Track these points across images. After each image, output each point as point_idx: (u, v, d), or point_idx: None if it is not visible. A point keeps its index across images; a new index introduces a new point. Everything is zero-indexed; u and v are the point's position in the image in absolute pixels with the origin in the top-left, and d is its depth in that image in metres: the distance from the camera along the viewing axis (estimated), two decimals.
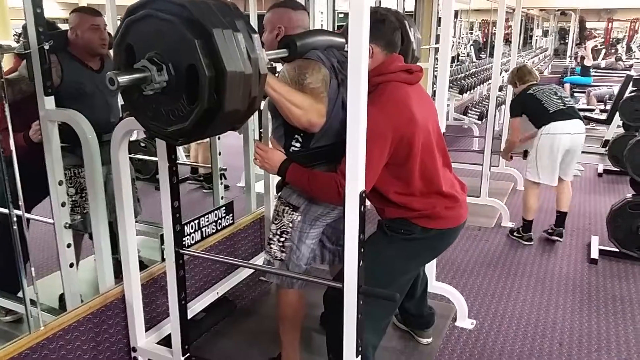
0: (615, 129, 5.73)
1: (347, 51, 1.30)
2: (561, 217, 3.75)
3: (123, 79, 1.24)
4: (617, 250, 3.44)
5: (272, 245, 2.02)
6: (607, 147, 5.50)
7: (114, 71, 1.26)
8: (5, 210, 1.75)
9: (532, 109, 3.59)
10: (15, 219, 1.73)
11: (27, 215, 1.81)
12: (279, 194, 2.04)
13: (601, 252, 3.49)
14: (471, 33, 12.61)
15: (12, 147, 1.74)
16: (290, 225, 1.98)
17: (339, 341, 1.83)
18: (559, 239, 3.71)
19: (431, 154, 1.82)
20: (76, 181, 2.39)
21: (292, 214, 1.98)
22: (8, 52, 2.53)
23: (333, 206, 1.97)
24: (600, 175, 5.43)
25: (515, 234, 3.80)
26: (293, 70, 1.80)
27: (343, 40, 1.92)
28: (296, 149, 1.91)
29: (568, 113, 3.50)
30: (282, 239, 2.00)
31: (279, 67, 2.01)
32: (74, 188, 2.39)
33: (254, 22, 3.73)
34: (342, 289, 1.49)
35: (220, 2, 1.30)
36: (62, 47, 2.35)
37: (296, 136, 1.89)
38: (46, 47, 1.84)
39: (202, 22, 1.21)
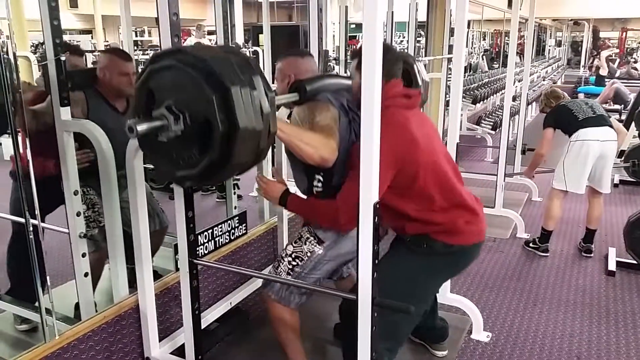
0: (630, 139, 5.67)
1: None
2: (590, 234, 3.71)
3: (142, 127, 1.31)
4: (635, 262, 3.38)
5: (281, 264, 2.03)
6: (623, 158, 5.44)
7: (133, 119, 1.32)
8: (22, 219, 1.76)
9: (563, 118, 3.60)
10: (31, 228, 1.74)
11: (42, 224, 1.82)
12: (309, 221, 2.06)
13: (619, 264, 3.43)
14: (484, 41, 12.60)
15: (29, 158, 1.75)
16: (308, 254, 2.00)
17: (355, 352, 1.81)
18: (589, 255, 3.65)
19: (442, 171, 1.84)
20: (86, 198, 2.39)
21: (315, 246, 2.00)
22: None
23: None
24: (616, 186, 5.36)
25: (531, 244, 3.76)
26: (303, 111, 1.88)
27: (350, 82, 1.98)
28: (319, 189, 1.95)
29: (597, 120, 3.49)
30: (293, 263, 2.01)
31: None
32: (85, 204, 2.40)
33: (266, 33, 3.76)
34: (357, 301, 1.48)
35: (241, 58, 1.37)
36: (89, 85, 2.40)
37: (317, 176, 1.94)
38: (62, 58, 1.86)
39: (221, 78, 1.26)
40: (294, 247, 2.03)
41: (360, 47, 1.86)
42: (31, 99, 2.29)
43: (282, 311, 2.04)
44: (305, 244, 2.01)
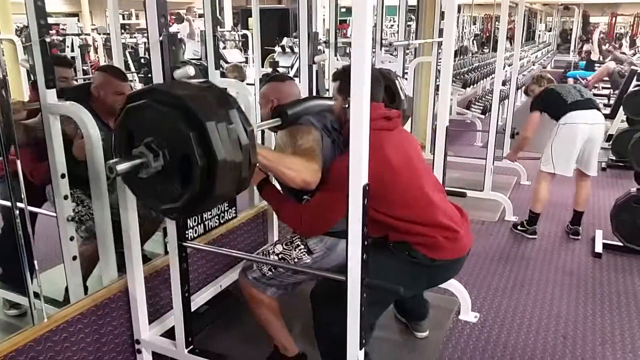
0: (619, 124, 5.71)
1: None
2: (577, 216, 3.74)
3: (121, 167, 1.33)
4: (621, 244, 3.43)
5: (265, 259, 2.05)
6: (611, 142, 5.49)
7: (113, 160, 1.35)
8: (8, 203, 1.75)
9: (551, 102, 3.63)
10: (17, 212, 1.72)
11: (29, 207, 1.80)
12: None
13: (605, 246, 3.48)
14: (474, 25, 12.59)
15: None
16: (295, 260, 2.02)
17: (327, 337, 1.84)
18: (576, 237, 3.69)
19: (421, 191, 1.88)
20: (73, 197, 2.37)
21: (304, 255, 2.02)
22: None
23: None
24: (604, 169, 5.41)
25: (519, 227, 3.79)
26: (286, 136, 1.92)
27: (332, 102, 2.03)
28: None
29: (585, 103, 3.52)
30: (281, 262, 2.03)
31: None
32: (74, 202, 2.39)
33: (256, 16, 3.72)
34: (346, 282, 1.49)
35: (218, 93, 1.40)
36: (84, 100, 2.37)
37: (305, 197, 1.96)
38: (47, 39, 1.83)
39: (197, 115, 1.29)
40: (283, 248, 2.05)
41: (342, 69, 2.00)
42: (25, 117, 2.27)
43: (258, 293, 2.07)
44: (295, 250, 2.03)
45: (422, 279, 1.96)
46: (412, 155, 1.94)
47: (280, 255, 2.03)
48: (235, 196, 1.50)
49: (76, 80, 2.49)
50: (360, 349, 1.55)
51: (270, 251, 2.08)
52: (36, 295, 1.78)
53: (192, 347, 2.01)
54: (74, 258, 2.03)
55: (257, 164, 1.56)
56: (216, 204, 1.47)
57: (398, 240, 1.85)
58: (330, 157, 1.89)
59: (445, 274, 2.03)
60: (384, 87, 2.06)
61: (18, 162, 1.71)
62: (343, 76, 1.95)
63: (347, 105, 1.89)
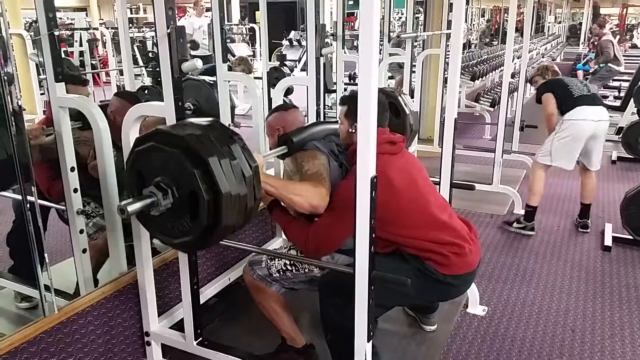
0: (629, 116, 5.66)
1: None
2: (585, 209, 3.71)
3: (132, 207, 1.40)
4: (631, 237, 3.40)
5: (276, 260, 2.07)
6: (621, 135, 5.44)
7: (125, 201, 1.41)
8: (19, 196, 1.77)
9: (559, 90, 3.58)
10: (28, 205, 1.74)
11: (40, 201, 1.81)
12: None
13: (615, 239, 3.46)
14: (483, 17, 12.50)
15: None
16: (306, 270, 2.05)
17: (334, 328, 1.84)
18: (585, 230, 3.67)
19: (425, 209, 1.89)
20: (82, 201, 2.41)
21: (315, 268, 2.03)
22: None
23: None
24: (614, 162, 5.37)
25: (514, 225, 3.70)
26: (292, 163, 1.98)
27: (336, 126, 2.10)
28: None
29: (591, 99, 3.48)
30: (288, 268, 2.05)
31: None
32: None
33: (263, 9, 3.71)
34: (354, 274, 1.49)
35: (221, 130, 1.47)
36: None
37: (316, 219, 1.96)
38: (56, 33, 1.84)
39: (199, 152, 1.37)
40: (296, 256, 2.07)
41: (349, 95, 2.04)
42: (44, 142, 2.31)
43: (263, 286, 2.09)
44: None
45: (432, 291, 1.96)
46: (416, 177, 1.95)
47: (292, 261, 2.05)
48: (244, 227, 1.59)
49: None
50: (368, 341, 1.56)
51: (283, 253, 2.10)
52: (47, 288, 1.80)
53: (201, 339, 2.02)
54: (84, 251, 2.05)
55: (265, 192, 1.63)
56: (226, 235, 1.53)
57: (410, 254, 1.87)
58: (338, 181, 1.91)
59: (455, 290, 2.01)
60: (388, 103, 2.09)
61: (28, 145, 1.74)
62: (351, 101, 1.95)
63: (353, 130, 1.93)
